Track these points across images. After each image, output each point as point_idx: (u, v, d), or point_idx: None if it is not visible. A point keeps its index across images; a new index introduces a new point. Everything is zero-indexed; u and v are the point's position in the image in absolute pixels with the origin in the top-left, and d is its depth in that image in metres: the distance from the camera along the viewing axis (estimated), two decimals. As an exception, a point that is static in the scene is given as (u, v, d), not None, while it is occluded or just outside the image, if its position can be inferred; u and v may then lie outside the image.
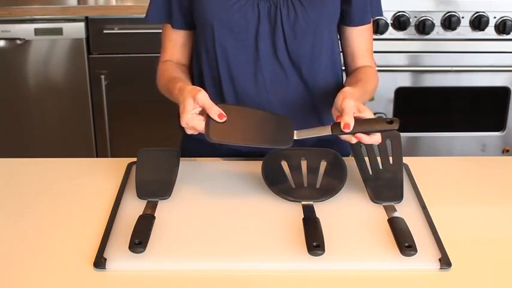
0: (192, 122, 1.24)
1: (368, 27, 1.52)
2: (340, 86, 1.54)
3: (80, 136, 2.76)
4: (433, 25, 2.53)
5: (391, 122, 1.22)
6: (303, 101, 1.48)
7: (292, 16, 1.40)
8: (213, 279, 1.05)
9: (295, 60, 1.44)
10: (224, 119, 1.23)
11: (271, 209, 1.23)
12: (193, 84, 1.47)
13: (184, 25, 1.48)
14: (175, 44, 1.51)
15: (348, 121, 1.21)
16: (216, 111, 1.23)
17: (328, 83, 1.50)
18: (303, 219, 1.17)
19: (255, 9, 1.40)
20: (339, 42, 1.53)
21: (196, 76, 1.51)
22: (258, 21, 1.40)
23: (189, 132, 1.28)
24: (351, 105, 1.23)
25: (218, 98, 1.47)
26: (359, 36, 1.51)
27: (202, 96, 1.24)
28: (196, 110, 1.25)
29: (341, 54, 1.55)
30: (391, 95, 2.62)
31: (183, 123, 1.25)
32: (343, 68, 1.57)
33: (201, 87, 1.42)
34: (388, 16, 2.53)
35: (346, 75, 1.56)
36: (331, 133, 1.24)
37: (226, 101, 1.46)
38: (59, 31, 2.60)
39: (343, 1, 1.45)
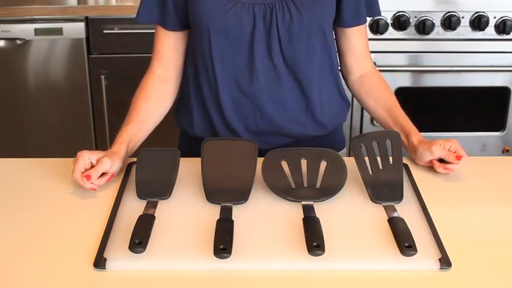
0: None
1: (365, 27, 1.53)
2: (339, 87, 1.54)
3: (80, 136, 2.76)
4: (433, 25, 2.53)
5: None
6: (298, 103, 1.48)
7: (287, 19, 1.39)
8: (213, 279, 1.05)
9: (290, 63, 1.44)
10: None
11: (271, 209, 1.23)
12: (188, 85, 1.50)
13: (178, 25, 1.47)
14: (166, 49, 1.50)
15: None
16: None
17: (324, 84, 1.50)
18: (303, 219, 1.17)
19: (251, 13, 1.39)
20: (335, 43, 1.53)
21: (192, 78, 1.50)
22: (254, 24, 1.40)
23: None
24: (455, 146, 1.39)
25: (214, 99, 1.48)
26: (359, 37, 1.52)
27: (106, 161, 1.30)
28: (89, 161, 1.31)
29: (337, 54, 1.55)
30: (391, 95, 2.62)
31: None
32: (340, 68, 1.57)
33: (198, 89, 1.47)
34: (388, 16, 2.53)
35: (348, 77, 1.55)
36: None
37: (223, 103, 1.46)
38: (59, 31, 2.60)
39: (338, 2, 1.45)
